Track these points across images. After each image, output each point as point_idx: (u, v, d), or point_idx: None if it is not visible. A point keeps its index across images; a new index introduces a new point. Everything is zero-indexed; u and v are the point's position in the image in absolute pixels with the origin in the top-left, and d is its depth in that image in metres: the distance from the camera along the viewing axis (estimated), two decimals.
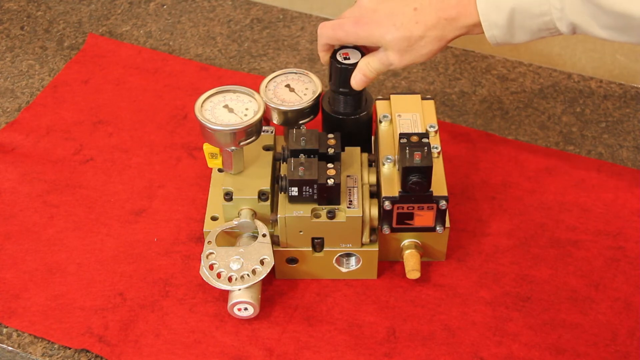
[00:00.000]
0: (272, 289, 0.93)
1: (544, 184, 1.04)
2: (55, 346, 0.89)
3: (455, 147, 1.08)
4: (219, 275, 0.88)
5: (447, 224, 0.92)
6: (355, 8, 0.89)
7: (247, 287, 0.88)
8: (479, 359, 0.87)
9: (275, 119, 0.96)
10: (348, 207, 0.89)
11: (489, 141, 1.09)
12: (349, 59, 0.92)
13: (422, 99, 0.99)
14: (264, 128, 0.96)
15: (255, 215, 0.91)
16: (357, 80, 0.91)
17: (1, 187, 1.04)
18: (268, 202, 0.91)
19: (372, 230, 0.91)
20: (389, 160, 0.91)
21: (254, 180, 0.91)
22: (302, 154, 0.89)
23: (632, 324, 0.90)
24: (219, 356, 0.88)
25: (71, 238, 0.99)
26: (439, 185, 0.89)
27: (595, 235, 0.98)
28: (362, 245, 0.91)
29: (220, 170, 0.97)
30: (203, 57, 1.23)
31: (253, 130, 0.90)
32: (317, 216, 0.89)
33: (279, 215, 0.89)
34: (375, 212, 0.90)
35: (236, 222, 0.91)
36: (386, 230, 0.90)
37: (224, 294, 0.91)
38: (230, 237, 0.93)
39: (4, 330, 0.91)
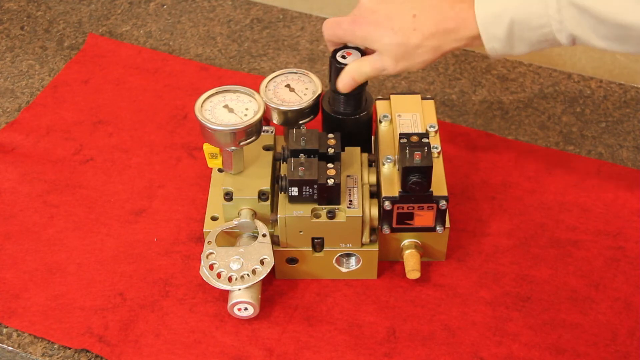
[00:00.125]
0: (272, 289, 0.93)
1: (544, 184, 1.04)
2: (55, 346, 0.89)
3: (455, 147, 1.08)
4: (219, 275, 0.88)
5: (447, 224, 0.92)
6: (357, 7, 0.89)
7: (247, 287, 0.88)
8: (479, 359, 0.87)
9: (275, 119, 0.96)
10: (348, 207, 0.89)
11: (489, 141, 1.09)
12: (347, 57, 0.92)
13: (422, 99, 0.99)
14: (264, 128, 0.96)
15: (255, 215, 0.91)
16: (344, 83, 0.90)
17: (1, 187, 1.04)
18: (268, 202, 0.91)
19: (372, 230, 0.91)
20: (389, 160, 0.91)
21: (254, 180, 0.91)
22: (302, 154, 0.89)
23: (632, 324, 0.90)
24: (219, 356, 0.88)
25: (71, 238, 0.99)
26: (439, 185, 0.89)
27: (595, 235, 0.98)
28: (362, 245, 0.91)
29: (220, 170, 0.97)
30: (203, 57, 1.23)
31: (253, 130, 0.90)
32: (317, 216, 0.89)
33: (279, 215, 0.89)
34: (375, 212, 0.90)
35: (236, 222, 0.91)
36: (386, 230, 0.90)
37: (224, 294, 0.91)
38: (230, 237, 0.93)
39: (4, 330, 0.91)
